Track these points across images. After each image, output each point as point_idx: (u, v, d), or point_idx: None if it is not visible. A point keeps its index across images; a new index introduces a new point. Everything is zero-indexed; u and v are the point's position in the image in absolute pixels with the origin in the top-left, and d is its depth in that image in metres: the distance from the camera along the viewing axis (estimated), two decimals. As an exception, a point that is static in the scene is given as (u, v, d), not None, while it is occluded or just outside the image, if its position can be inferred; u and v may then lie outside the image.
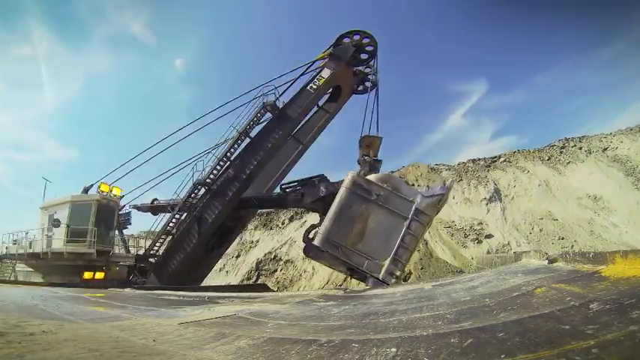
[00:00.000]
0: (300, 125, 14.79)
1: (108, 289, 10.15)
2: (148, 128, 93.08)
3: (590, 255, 3.79)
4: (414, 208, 9.33)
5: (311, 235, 10.66)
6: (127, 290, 9.44)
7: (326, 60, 13.95)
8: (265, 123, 14.04)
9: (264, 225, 31.84)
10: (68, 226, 13.68)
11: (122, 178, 15.69)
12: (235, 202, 13.76)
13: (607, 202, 23.77)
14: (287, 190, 13.11)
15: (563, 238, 22.04)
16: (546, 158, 28.81)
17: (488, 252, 22.39)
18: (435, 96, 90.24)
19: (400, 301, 4.27)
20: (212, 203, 13.67)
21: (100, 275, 14.13)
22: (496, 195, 26.45)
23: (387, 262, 9.20)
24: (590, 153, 27.88)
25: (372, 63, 14.61)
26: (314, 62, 14.29)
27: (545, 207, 24.71)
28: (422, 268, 21.63)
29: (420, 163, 9.97)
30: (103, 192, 15.05)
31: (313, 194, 12.12)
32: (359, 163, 11.31)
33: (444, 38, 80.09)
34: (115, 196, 15.49)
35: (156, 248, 14.27)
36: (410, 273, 20.15)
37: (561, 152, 28.93)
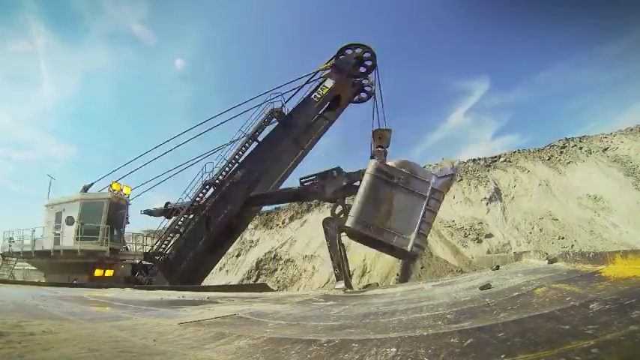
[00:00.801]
0: (303, 132, 15.55)
1: (108, 288, 10.15)
2: (147, 126, 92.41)
3: (590, 255, 3.79)
4: (430, 187, 10.72)
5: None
6: (128, 290, 9.45)
7: (328, 71, 14.89)
8: (272, 128, 14.87)
9: (265, 224, 31.86)
10: (82, 223, 13.92)
11: (124, 178, 15.83)
12: (242, 202, 14.37)
13: (607, 202, 23.77)
14: (306, 183, 13.90)
15: (563, 238, 22.05)
16: (546, 158, 28.81)
17: (488, 252, 22.40)
18: (437, 94, 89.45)
19: (400, 301, 4.27)
20: (221, 204, 14.31)
21: (109, 273, 14.39)
22: (496, 195, 26.45)
23: (412, 236, 10.59)
24: (591, 153, 27.88)
25: (369, 75, 15.56)
26: (317, 72, 15.20)
27: (546, 207, 24.72)
28: (422, 268, 21.63)
29: (448, 159, 12.08)
30: (114, 190, 15.30)
31: (334, 185, 13.23)
32: (372, 156, 12.26)
33: (446, 35, 79.42)
34: (125, 194, 15.75)
35: (163, 247, 14.54)
36: (410, 272, 20.20)
37: (561, 152, 28.93)
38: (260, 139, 14.65)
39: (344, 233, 12.15)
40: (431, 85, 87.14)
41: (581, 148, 28.57)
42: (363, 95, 15.96)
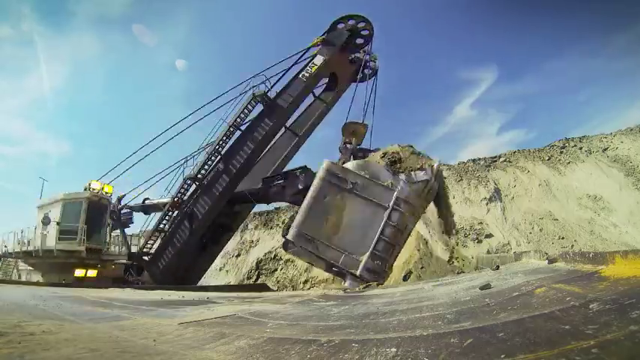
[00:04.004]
0: (297, 117, 14.45)
1: (108, 288, 10.16)
2: (142, 117, 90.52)
3: (590, 255, 3.79)
4: (394, 196, 8.56)
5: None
6: (128, 290, 9.45)
7: (319, 47, 13.44)
8: (257, 115, 13.65)
9: (265, 224, 31.86)
10: (58, 223, 13.71)
11: (119, 178, 15.70)
12: (227, 197, 13.47)
13: (607, 202, 23.78)
14: (269, 183, 12.65)
15: (563, 238, 22.06)
16: (546, 158, 28.82)
17: (488, 251, 22.41)
18: (442, 85, 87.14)
19: (400, 301, 4.27)
20: (202, 199, 13.49)
21: (93, 273, 14.06)
22: (496, 195, 26.46)
23: (364, 257, 8.42)
24: (591, 153, 27.89)
25: (368, 49, 13.87)
26: (307, 50, 13.78)
27: (546, 207, 24.73)
28: (422, 268, 21.64)
29: (402, 145, 9.95)
30: (94, 190, 14.99)
31: (294, 187, 11.63)
32: (340, 151, 10.69)
33: (453, 22, 77.50)
34: (106, 193, 15.40)
35: (149, 246, 14.14)
36: (410, 272, 20.21)
37: (561, 152, 28.93)
38: (246, 127, 13.48)
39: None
40: (436, 75, 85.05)
41: (581, 148, 28.58)
42: (367, 72, 14.02)
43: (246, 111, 13.50)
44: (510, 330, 1.98)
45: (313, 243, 8.91)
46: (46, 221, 13.79)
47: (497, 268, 8.92)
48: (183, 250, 13.49)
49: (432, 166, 9.19)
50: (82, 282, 13.13)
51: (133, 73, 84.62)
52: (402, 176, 8.98)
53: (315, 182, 9.35)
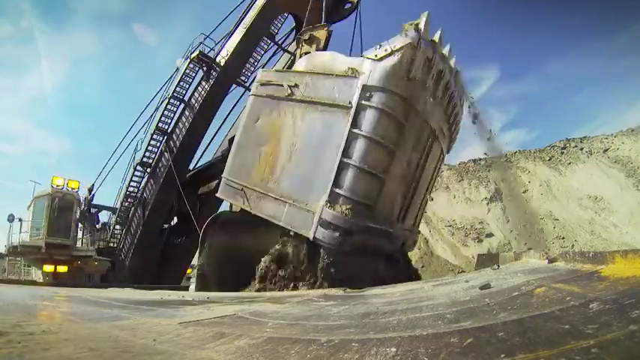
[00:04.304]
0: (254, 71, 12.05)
1: (109, 288, 10.16)
2: (142, 115, 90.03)
3: (590, 255, 3.79)
4: (359, 85, 5.27)
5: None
6: (128, 290, 9.46)
7: None
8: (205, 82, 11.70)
9: (265, 225, 31.90)
10: (20, 220, 14.04)
11: (109, 176, 15.63)
12: (180, 180, 11.78)
13: (608, 202, 23.78)
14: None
15: (563, 238, 22.06)
16: (547, 159, 28.82)
17: (488, 251, 22.41)
18: None
19: (400, 300, 4.27)
20: (149, 183, 12.32)
21: (63, 269, 13.98)
22: (497, 195, 26.47)
23: (320, 203, 5.16)
24: (591, 154, 27.88)
25: None
26: None
27: (546, 207, 24.72)
28: (422, 267, 21.64)
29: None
30: (58, 186, 14.80)
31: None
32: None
33: (456, 20, 76.82)
34: (72, 189, 15.20)
35: (113, 240, 13.76)
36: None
37: (562, 153, 28.93)
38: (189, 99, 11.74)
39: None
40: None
41: (581, 149, 28.57)
42: (347, 8, 10.99)
43: (187, 79, 11.82)
44: (510, 330, 1.98)
45: (243, 193, 5.97)
46: (10, 219, 14.11)
47: (497, 267, 8.95)
48: (144, 243, 12.27)
49: (416, 24, 5.52)
50: (56, 278, 13.24)
51: (133, 70, 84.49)
52: (368, 52, 5.68)
53: (247, 104, 6.65)
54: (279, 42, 12.26)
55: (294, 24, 12.08)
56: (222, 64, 11.21)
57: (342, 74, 5.52)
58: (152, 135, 12.14)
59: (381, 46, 5.49)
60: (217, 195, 7.10)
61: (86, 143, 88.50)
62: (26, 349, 2.09)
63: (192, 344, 2.54)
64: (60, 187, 14.87)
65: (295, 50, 8.21)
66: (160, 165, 12.00)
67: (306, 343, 2.36)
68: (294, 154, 5.66)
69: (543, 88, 74.47)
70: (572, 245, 21.21)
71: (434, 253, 22.99)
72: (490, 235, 23.52)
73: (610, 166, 26.14)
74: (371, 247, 5.95)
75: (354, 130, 5.22)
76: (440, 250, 23.15)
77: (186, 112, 11.63)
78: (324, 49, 7.30)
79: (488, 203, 25.81)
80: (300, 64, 6.35)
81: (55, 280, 13.00)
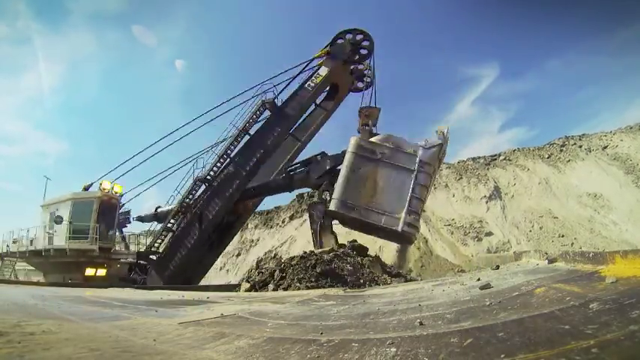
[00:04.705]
0: (298, 123, 15.12)
1: (108, 288, 10.16)
2: (139, 116, 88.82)
3: (590, 255, 3.80)
4: (418, 160, 10.12)
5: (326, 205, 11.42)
6: (127, 290, 9.46)
7: (323, 58, 14.31)
8: (264, 120, 14.46)
9: (265, 223, 31.88)
10: (70, 222, 13.86)
11: (121, 177, 15.78)
12: (236, 197, 14.04)
13: (607, 200, 23.80)
14: (292, 172, 13.77)
15: (563, 236, 22.08)
16: (546, 156, 28.83)
17: (488, 250, 22.44)
18: (443, 81, 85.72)
19: (400, 300, 4.28)
20: (213, 200, 14.00)
21: (102, 272, 14.26)
22: (496, 193, 26.48)
23: (403, 214, 9.85)
24: (590, 151, 27.89)
25: (367, 61, 14.94)
26: (312, 60, 14.60)
27: (545, 205, 24.75)
28: (422, 266, 21.66)
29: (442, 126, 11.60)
30: (105, 189, 15.17)
31: (319, 170, 12.79)
32: (359, 132, 11.84)
33: (455, 18, 76.17)
34: (116, 193, 15.59)
35: (157, 245, 14.36)
36: (410, 270, 20.20)
37: (561, 150, 28.94)
38: (253, 132, 14.12)
39: (335, 221, 11.46)
40: (437, 72, 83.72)
41: (580, 147, 28.58)
42: (360, 85, 15.10)
43: (254, 117, 14.21)
44: (510, 330, 1.98)
45: (355, 209, 10.23)
46: (58, 220, 13.95)
47: (497, 267, 8.98)
48: (192, 250, 13.80)
49: (443, 132, 10.84)
50: (92, 281, 13.34)
51: (131, 71, 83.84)
52: (421, 142, 10.57)
53: (347, 157, 10.70)
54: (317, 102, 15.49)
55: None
56: (291, 114, 14.38)
57: (409, 151, 10.41)
58: (219, 157, 14.06)
59: (427, 141, 10.54)
60: (331, 208, 10.67)
61: (84, 145, 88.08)
62: (26, 349, 2.09)
63: (193, 344, 2.54)
64: (107, 191, 15.14)
65: (358, 118, 12.03)
66: (228, 185, 14.02)
67: (306, 343, 2.36)
68: (385, 189, 10.30)
69: (543, 86, 74.22)
70: (572, 243, 21.22)
71: (433, 252, 23.01)
72: (489, 233, 23.51)
73: (609, 164, 26.15)
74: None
75: (417, 181, 10.18)
76: (439, 249, 23.17)
77: (257, 147, 14.17)
78: (377, 120, 12.06)
79: (487, 202, 25.80)
80: (379, 138, 10.89)
81: (87, 282, 12.91)
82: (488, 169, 28.95)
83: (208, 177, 14.07)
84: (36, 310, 4.39)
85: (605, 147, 27.81)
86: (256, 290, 10.00)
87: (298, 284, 9.03)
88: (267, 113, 14.47)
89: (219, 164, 14.13)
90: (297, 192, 33.00)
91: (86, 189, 15.50)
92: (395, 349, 1.96)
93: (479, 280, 4.94)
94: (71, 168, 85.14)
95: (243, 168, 14.03)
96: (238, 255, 29.61)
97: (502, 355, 1.57)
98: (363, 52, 14.74)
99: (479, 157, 30.99)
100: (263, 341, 2.54)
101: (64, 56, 76.38)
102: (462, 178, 28.30)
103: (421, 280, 11.86)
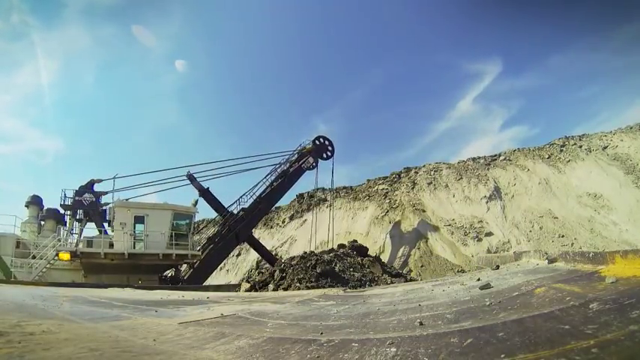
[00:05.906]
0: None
1: (107, 288, 10.16)
2: (135, 113, 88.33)
3: (590, 255, 3.80)
4: None
5: None
6: (128, 290, 9.46)
7: (310, 153, 22.20)
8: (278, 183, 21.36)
9: (265, 224, 31.87)
10: (173, 231, 15.86)
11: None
12: (255, 224, 20.57)
13: (607, 200, 23.79)
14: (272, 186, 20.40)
15: (563, 236, 22.06)
16: (546, 156, 28.82)
17: (488, 250, 22.42)
18: (445, 78, 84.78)
19: (400, 300, 4.28)
20: (248, 225, 19.95)
21: (171, 273, 16.93)
22: (496, 193, 26.47)
23: None
24: (590, 151, 27.89)
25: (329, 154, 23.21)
26: (302, 150, 22.37)
27: (545, 205, 24.73)
28: (422, 266, 21.66)
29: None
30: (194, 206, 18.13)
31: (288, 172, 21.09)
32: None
33: (457, 13, 75.11)
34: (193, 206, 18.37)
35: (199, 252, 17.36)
36: (410, 270, 20.24)
37: (561, 150, 28.93)
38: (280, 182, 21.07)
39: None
40: (439, 68, 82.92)
41: (580, 147, 28.58)
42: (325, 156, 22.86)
43: (281, 176, 21.19)
44: (510, 330, 1.98)
45: None
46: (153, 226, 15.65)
47: (497, 267, 8.96)
48: (220, 257, 19.27)
49: None
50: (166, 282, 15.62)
51: (127, 67, 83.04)
52: None
53: None
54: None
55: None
56: (293, 180, 21.77)
57: None
58: (258, 197, 20.33)
59: None
60: None
61: (81, 143, 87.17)
62: (26, 349, 2.09)
63: (193, 344, 2.54)
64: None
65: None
66: (258, 216, 21.06)
67: (306, 343, 2.36)
68: None
69: (544, 84, 73.96)
70: (572, 243, 21.22)
71: (433, 252, 23.01)
72: (490, 233, 23.51)
73: (609, 164, 26.14)
74: None
75: None
76: (439, 249, 23.17)
77: (278, 195, 21.70)
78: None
79: (487, 202, 25.80)
80: None
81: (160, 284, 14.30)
82: (488, 169, 28.94)
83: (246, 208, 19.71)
84: (36, 310, 4.39)
85: (605, 147, 27.81)
86: (256, 290, 10.19)
87: (298, 284, 9.12)
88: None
89: (257, 200, 20.32)
90: (297, 192, 33.42)
91: (93, 183, 16.64)
92: (395, 349, 1.96)
93: (479, 280, 4.94)
94: (69, 165, 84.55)
95: (270, 205, 22.13)
96: (238, 255, 29.59)
97: (502, 355, 1.57)
98: (329, 151, 23.11)
99: (479, 157, 30.98)
100: (263, 341, 2.54)
101: (59, 52, 75.36)
102: (462, 178, 28.29)
103: (421, 280, 11.85)
